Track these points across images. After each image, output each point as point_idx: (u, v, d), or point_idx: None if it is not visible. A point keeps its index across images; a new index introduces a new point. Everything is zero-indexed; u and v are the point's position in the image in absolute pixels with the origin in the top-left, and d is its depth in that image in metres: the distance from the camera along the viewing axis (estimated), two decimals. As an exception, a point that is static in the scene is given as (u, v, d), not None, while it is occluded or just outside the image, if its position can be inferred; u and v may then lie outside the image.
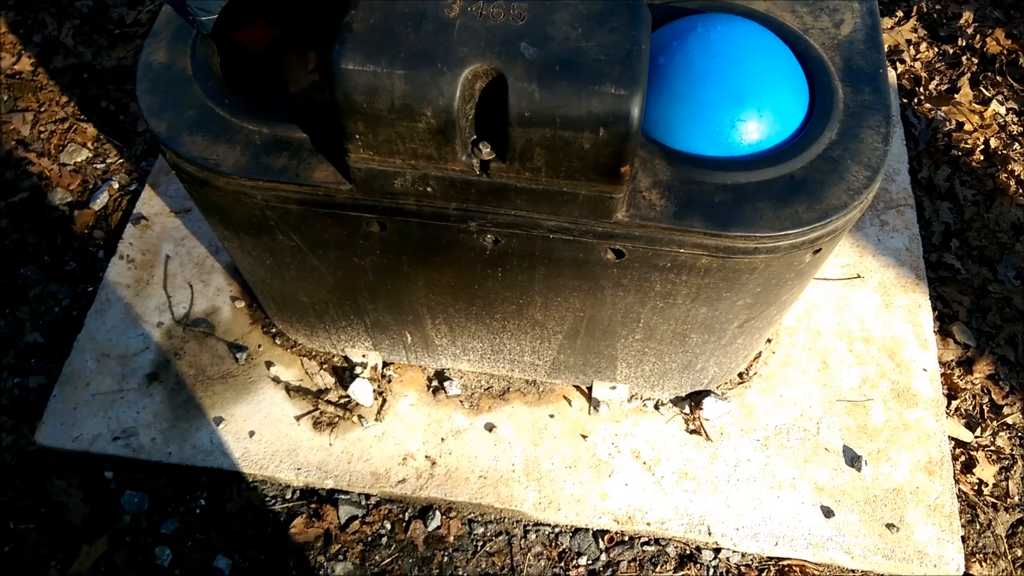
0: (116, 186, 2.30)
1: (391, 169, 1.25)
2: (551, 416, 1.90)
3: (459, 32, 1.15)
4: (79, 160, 2.36)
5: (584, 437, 1.87)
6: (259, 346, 1.97)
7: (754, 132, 1.34)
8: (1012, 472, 1.92)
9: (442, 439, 1.86)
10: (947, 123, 2.48)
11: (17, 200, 2.27)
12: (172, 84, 1.43)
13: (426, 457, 1.84)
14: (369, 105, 1.15)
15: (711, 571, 1.77)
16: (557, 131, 1.14)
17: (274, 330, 1.99)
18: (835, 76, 1.42)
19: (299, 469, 1.81)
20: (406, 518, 1.82)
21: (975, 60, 2.65)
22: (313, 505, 1.82)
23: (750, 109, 1.33)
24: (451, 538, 1.80)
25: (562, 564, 1.78)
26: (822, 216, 1.28)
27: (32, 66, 2.57)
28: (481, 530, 1.81)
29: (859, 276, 2.13)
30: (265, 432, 1.85)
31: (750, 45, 1.37)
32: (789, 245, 1.30)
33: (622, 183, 1.21)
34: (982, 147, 2.44)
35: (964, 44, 2.68)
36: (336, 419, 1.86)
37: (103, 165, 2.35)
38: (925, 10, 2.78)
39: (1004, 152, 2.42)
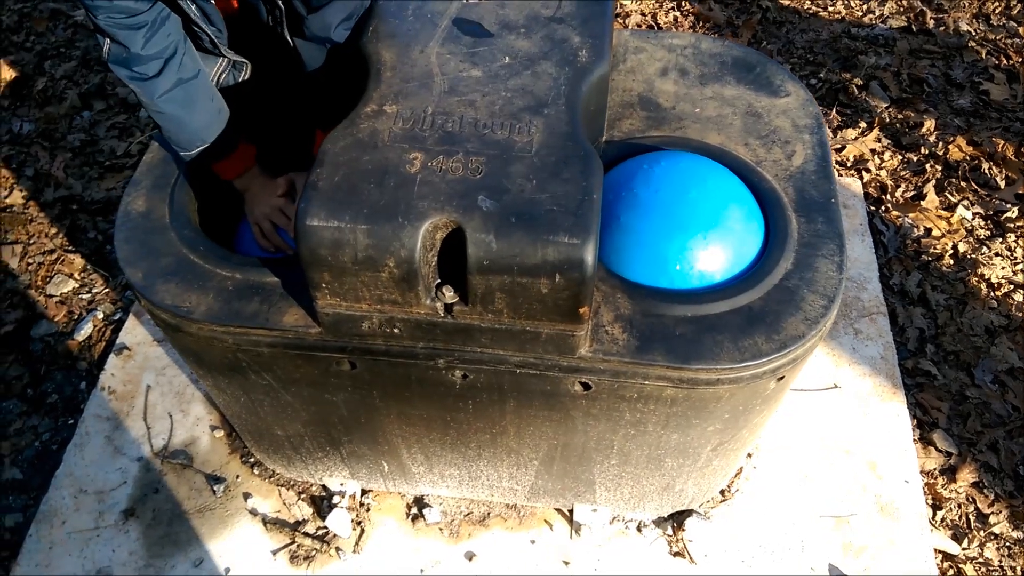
0: (100, 316, 2.33)
1: (358, 313, 1.28)
2: (532, 542, 1.87)
3: (420, 186, 1.20)
4: (65, 291, 2.40)
5: (566, 564, 1.84)
6: (237, 477, 1.96)
7: (701, 260, 1.38)
8: (1004, 585, 1.89)
9: (421, 570, 1.83)
10: (915, 229, 2.54)
11: (2, 333, 2.29)
12: (149, 232, 1.48)
13: (405, 590, 1.81)
14: (334, 258, 1.19)
15: None
16: (515, 277, 1.17)
17: (252, 459, 1.98)
18: (788, 207, 1.47)
19: (275, 607, 1.78)
20: (386, 655, 1.77)
21: (939, 167, 2.73)
22: (291, 643, 1.78)
23: (695, 236, 1.37)
24: (432, 675, 1.75)
25: None
26: (781, 347, 1.30)
27: (23, 199, 2.65)
28: (463, 665, 1.76)
29: (836, 386, 2.14)
30: (241, 569, 1.82)
31: (694, 178, 1.42)
32: (751, 375, 1.32)
33: (582, 322, 1.24)
34: (951, 252, 2.49)
35: (927, 152, 2.77)
36: (313, 552, 1.84)
37: (88, 295, 2.39)
38: (888, 120, 2.88)
39: (973, 256, 2.47)
